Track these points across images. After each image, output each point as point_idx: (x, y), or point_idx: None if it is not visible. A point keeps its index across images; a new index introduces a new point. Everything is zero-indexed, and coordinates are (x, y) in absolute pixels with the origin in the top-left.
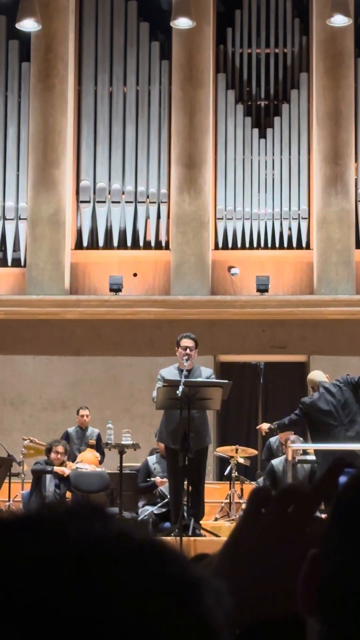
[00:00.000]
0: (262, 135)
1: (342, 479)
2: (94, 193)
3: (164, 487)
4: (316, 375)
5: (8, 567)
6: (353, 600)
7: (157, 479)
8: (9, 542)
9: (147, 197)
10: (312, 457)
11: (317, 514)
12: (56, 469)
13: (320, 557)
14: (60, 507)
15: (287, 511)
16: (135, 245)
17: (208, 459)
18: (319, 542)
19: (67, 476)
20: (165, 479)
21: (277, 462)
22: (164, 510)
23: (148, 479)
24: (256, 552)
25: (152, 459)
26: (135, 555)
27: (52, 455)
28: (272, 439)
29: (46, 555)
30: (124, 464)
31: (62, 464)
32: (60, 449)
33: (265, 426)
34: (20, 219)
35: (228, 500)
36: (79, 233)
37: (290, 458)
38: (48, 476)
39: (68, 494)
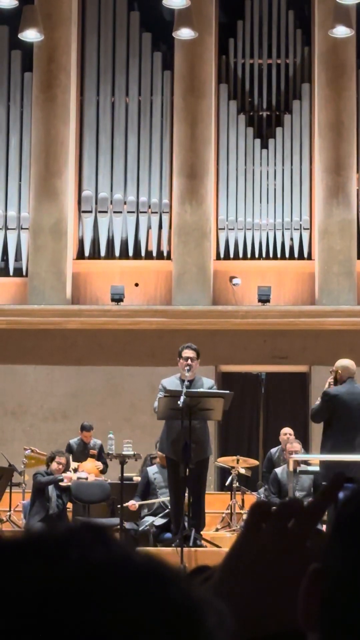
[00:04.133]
0: (264, 145)
1: (341, 494)
2: (96, 203)
3: (166, 498)
4: (351, 365)
5: (9, 591)
6: (354, 615)
7: (130, 504)
8: (10, 565)
9: (149, 207)
10: (314, 468)
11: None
12: (65, 475)
13: (321, 571)
14: (61, 529)
15: (288, 526)
16: (137, 255)
17: (209, 470)
18: (319, 556)
19: (68, 487)
20: (135, 504)
21: (279, 470)
22: (165, 520)
23: (146, 494)
24: (256, 567)
25: (152, 470)
26: (137, 579)
27: (54, 465)
28: (273, 450)
29: (47, 579)
30: (125, 474)
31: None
32: (63, 460)
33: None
34: (22, 228)
35: (229, 511)
36: (81, 243)
37: (291, 468)
38: (50, 486)
39: (69, 505)
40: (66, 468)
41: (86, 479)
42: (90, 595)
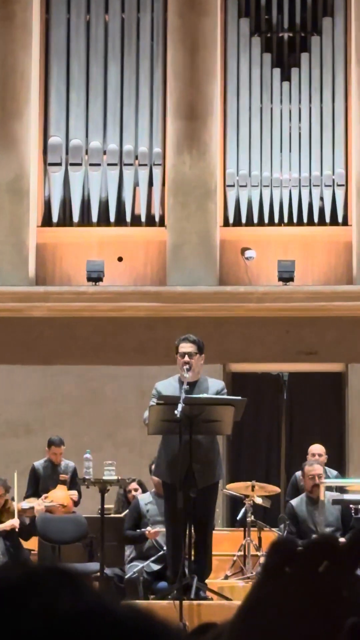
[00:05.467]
0: (286, 77)
1: None
2: (67, 153)
3: (160, 537)
4: None
5: None
6: None
7: (149, 530)
8: None
9: (136, 158)
10: (353, 496)
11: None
12: (2, 527)
13: None
14: (19, 574)
15: (318, 570)
16: (120, 221)
17: (217, 499)
18: (358, 608)
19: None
20: (159, 530)
21: (296, 502)
22: (158, 567)
23: (137, 529)
24: (279, 622)
25: (144, 499)
26: (116, 635)
27: None
28: (298, 473)
29: (3, 637)
30: (106, 506)
31: (3, 507)
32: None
33: None
34: None
35: (242, 553)
36: (47, 205)
37: (322, 497)
38: None
39: (29, 542)
40: (7, 494)
41: (32, 508)
42: None
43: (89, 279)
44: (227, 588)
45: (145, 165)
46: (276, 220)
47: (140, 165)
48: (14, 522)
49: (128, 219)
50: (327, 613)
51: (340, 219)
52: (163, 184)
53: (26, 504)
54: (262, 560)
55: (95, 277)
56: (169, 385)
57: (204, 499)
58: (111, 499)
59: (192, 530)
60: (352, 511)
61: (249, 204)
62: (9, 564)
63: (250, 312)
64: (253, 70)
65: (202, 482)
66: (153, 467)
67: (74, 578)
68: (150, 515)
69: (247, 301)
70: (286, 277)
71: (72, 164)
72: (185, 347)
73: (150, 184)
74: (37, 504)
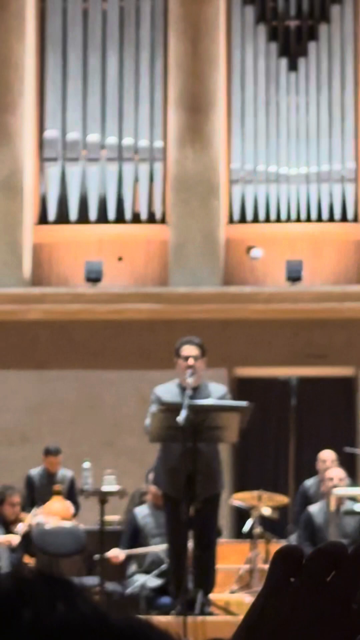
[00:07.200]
0: (293, 67)
1: None
2: (63, 147)
3: (161, 551)
4: None
5: None
6: None
7: (112, 554)
8: None
9: (136, 152)
10: None
11: None
12: (2, 540)
13: None
14: (12, 582)
15: (326, 580)
16: (120, 219)
17: (222, 510)
18: None
19: (23, 536)
20: (121, 555)
21: (315, 509)
22: (161, 581)
23: (136, 545)
24: (284, 637)
25: (141, 511)
26: None
27: (7, 508)
28: (308, 482)
29: None
30: (106, 517)
31: (16, 519)
32: (16, 498)
33: None
34: None
35: (249, 566)
36: (43, 202)
37: (333, 507)
38: None
39: (27, 558)
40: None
41: (50, 524)
42: None
43: (87, 280)
44: (234, 603)
45: (146, 159)
46: (283, 217)
47: (140, 159)
48: (16, 533)
49: (128, 216)
50: (334, 627)
51: (350, 216)
52: (164, 180)
53: (42, 518)
54: None
55: (93, 277)
56: (168, 391)
57: (206, 510)
58: (111, 509)
59: (195, 543)
60: None
61: (254, 201)
62: (4, 575)
63: (257, 314)
64: (258, 60)
65: (204, 493)
66: (150, 476)
67: (69, 587)
68: (148, 529)
69: (253, 302)
70: (294, 277)
71: (69, 159)
72: (190, 350)
73: (151, 179)
74: (47, 521)
